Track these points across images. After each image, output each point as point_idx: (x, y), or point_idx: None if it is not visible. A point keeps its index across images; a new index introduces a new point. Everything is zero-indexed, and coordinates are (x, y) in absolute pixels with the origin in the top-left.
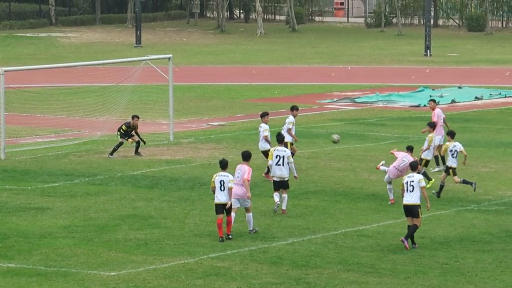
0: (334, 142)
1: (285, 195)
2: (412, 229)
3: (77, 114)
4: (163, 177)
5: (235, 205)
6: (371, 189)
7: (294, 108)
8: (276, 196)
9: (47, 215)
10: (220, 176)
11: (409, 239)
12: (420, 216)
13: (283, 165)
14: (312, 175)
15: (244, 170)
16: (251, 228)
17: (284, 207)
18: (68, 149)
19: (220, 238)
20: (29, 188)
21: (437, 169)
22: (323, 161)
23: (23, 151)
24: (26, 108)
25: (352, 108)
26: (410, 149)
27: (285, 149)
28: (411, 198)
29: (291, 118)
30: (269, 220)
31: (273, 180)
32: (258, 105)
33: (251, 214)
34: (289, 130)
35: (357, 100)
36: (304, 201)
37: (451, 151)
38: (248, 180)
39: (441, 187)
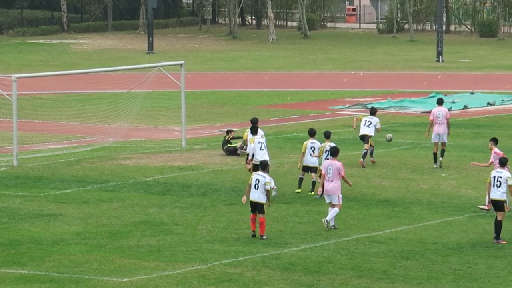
0: (388, 140)
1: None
2: (498, 226)
3: (90, 120)
4: (175, 184)
5: (329, 200)
6: (383, 195)
7: (374, 111)
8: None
9: (59, 221)
10: (257, 175)
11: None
12: (505, 211)
13: (264, 149)
14: None
15: (335, 166)
16: (328, 219)
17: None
18: (81, 156)
19: (252, 232)
20: (41, 194)
21: (435, 165)
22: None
23: (36, 158)
24: (39, 115)
25: (364, 114)
26: (496, 141)
27: (262, 136)
28: (498, 193)
29: (377, 119)
30: (282, 226)
31: (253, 164)
32: (270, 111)
33: (337, 209)
34: (378, 129)
35: (369, 106)
36: (317, 207)
37: (326, 151)
38: (344, 176)
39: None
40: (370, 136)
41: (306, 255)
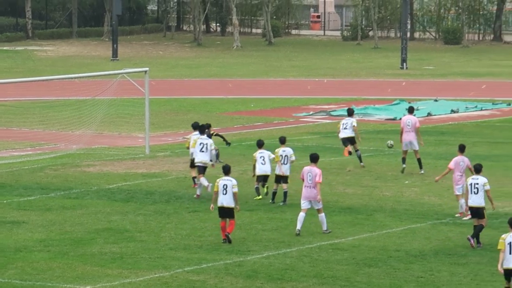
0: (389, 147)
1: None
2: (478, 229)
3: (53, 127)
4: (138, 191)
5: (306, 206)
6: (347, 203)
7: (351, 112)
8: (204, 180)
9: (22, 228)
10: (223, 180)
11: (475, 239)
12: (485, 217)
13: (206, 151)
14: (288, 188)
15: (315, 172)
16: (325, 229)
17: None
18: (44, 163)
19: (223, 240)
20: (4, 201)
21: (404, 165)
22: (299, 174)
23: None
24: (2, 122)
25: (328, 121)
26: (462, 149)
27: (207, 137)
28: (477, 200)
29: (353, 119)
30: (245, 233)
31: (197, 165)
32: (234, 118)
33: (323, 214)
34: (355, 127)
35: (333, 113)
36: (280, 214)
37: (281, 155)
38: (320, 183)
39: (274, 193)
40: (353, 137)
41: (269, 263)
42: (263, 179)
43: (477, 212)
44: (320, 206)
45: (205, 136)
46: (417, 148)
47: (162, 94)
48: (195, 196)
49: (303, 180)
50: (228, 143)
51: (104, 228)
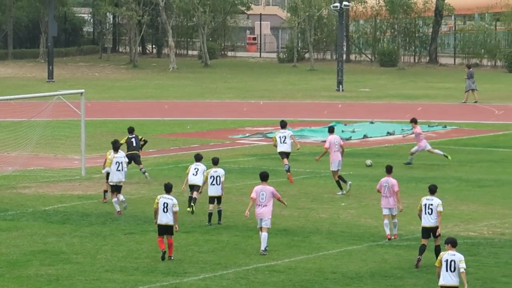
0: (368, 165)
1: (120, 196)
2: (438, 251)
3: None
4: (74, 213)
5: (258, 224)
6: (283, 224)
7: (284, 124)
8: (116, 200)
9: None
10: (164, 198)
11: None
12: (440, 235)
13: (122, 170)
14: (224, 210)
15: (270, 190)
16: (263, 249)
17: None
18: None
19: (163, 251)
20: None
21: (340, 193)
22: (235, 196)
23: None
24: None
25: (264, 143)
26: (389, 170)
27: (122, 155)
28: (432, 221)
29: (289, 132)
30: (181, 255)
31: (110, 184)
32: (170, 140)
33: (267, 234)
34: (293, 137)
35: (269, 135)
36: (216, 236)
37: (212, 176)
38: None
39: (210, 214)
40: (289, 153)
41: (205, 285)
42: (192, 188)
43: (431, 232)
44: (268, 226)
45: (119, 154)
46: (340, 167)
47: (98, 115)
48: (115, 213)
49: (254, 199)
50: (145, 141)
51: (40, 250)
